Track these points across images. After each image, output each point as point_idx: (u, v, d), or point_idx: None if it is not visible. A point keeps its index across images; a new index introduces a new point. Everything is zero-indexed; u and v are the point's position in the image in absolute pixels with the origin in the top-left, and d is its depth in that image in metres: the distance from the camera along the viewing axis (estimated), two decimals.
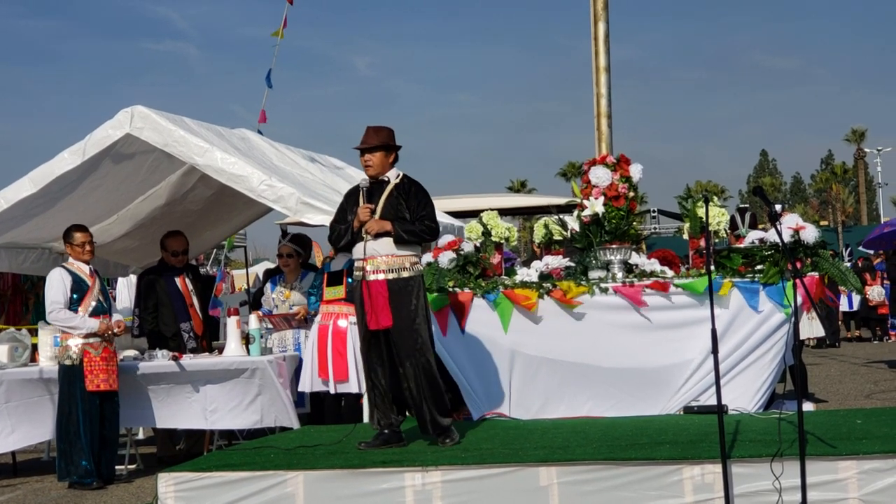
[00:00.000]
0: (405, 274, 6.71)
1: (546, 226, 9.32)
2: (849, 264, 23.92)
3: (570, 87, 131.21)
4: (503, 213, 10.07)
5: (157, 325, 9.33)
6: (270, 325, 9.10)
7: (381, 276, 6.67)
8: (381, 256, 6.68)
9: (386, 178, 6.82)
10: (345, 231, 6.80)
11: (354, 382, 8.30)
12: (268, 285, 9.42)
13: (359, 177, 10.50)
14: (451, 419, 6.87)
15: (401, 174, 6.87)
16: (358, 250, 6.74)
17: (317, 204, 8.18)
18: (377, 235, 6.66)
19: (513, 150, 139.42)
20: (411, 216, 6.71)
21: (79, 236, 8.32)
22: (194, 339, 9.35)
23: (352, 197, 6.93)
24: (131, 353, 8.90)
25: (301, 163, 9.86)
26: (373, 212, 6.69)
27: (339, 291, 8.50)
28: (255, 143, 9.58)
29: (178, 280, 9.41)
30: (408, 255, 6.74)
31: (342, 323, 8.43)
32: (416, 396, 6.73)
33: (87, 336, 8.11)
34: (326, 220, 7.96)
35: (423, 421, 6.80)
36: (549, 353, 8.14)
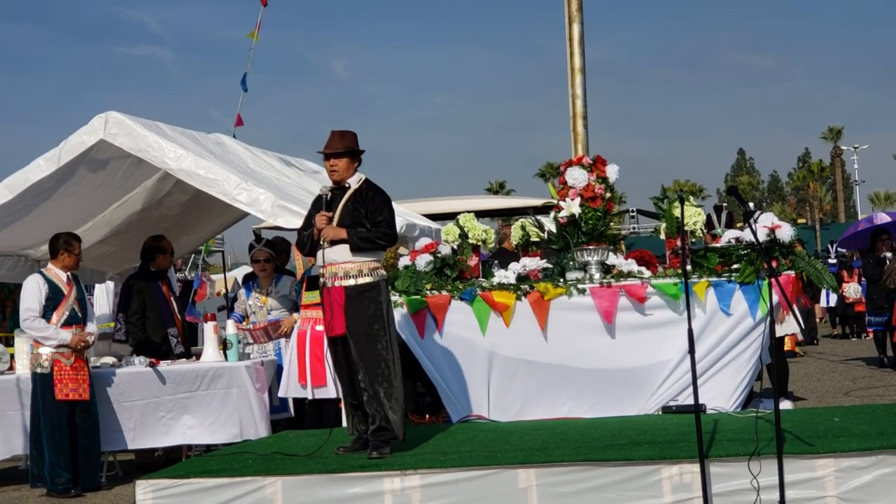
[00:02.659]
0: (363, 280, 6.63)
1: (523, 227, 9.33)
2: (835, 261, 24.05)
3: (547, 88, 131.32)
4: (481, 214, 10.06)
5: (145, 331, 9.26)
6: (250, 340, 9.07)
7: (338, 283, 6.64)
8: (338, 264, 6.65)
9: (347, 185, 6.77)
10: (307, 238, 6.80)
11: (332, 387, 8.28)
12: (242, 291, 9.41)
13: None
14: (395, 434, 6.58)
15: (363, 178, 6.82)
16: (319, 258, 6.72)
17: (293, 207, 8.16)
18: (333, 242, 6.64)
19: (491, 151, 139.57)
20: (369, 222, 6.66)
21: (77, 245, 8.29)
22: (180, 343, 9.33)
23: (317, 204, 6.90)
24: (108, 360, 8.84)
25: (277, 166, 9.84)
26: (330, 219, 6.65)
27: (317, 296, 8.47)
28: (230, 147, 9.56)
29: (161, 285, 9.38)
30: (366, 260, 6.67)
31: (320, 328, 8.39)
32: (369, 403, 6.60)
33: (58, 346, 8.07)
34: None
35: (368, 429, 6.63)
36: (528, 354, 8.15)
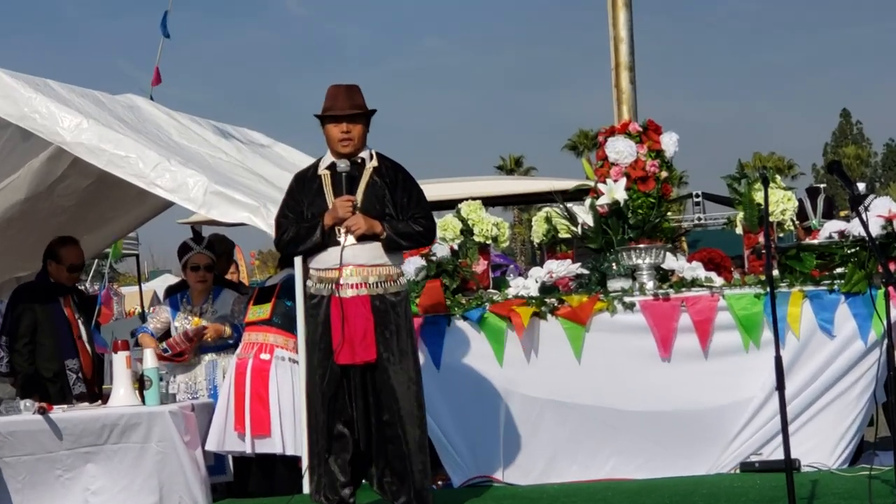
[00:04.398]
0: (393, 289, 6.84)
1: (549, 219, 9.33)
2: None
3: (579, 28, 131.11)
4: (490, 202, 10.06)
5: (33, 363, 9.23)
6: (171, 363, 9.06)
7: (363, 292, 6.78)
8: (366, 266, 6.80)
9: (360, 159, 6.92)
10: (309, 231, 6.84)
11: (278, 439, 8.26)
12: (166, 308, 9.40)
13: (291, 157, 10.59)
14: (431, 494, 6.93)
15: (373, 152, 6.99)
16: (327, 257, 6.83)
17: (233, 195, 8.14)
18: (361, 238, 6.76)
19: (503, 115, 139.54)
20: (398, 212, 6.83)
21: None
22: (83, 381, 9.30)
23: (309, 184, 7.00)
24: None
25: (211, 139, 9.81)
26: (355, 206, 6.78)
27: (264, 311, 8.50)
28: (147, 113, 9.53)
29: (63, 303, 9.36)
30: (395, 264, 6.91)
31: (265, 357, 8.45)
32: (405, 453, 6.75)
33: None
34: (248, 216, 7.94)
35: (407, 488, 6.78)
36: (556, 392, 8.23)
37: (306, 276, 7.19)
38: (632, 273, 8.32)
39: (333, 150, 6.95)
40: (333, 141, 6.92)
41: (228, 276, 10.82)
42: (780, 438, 6.10)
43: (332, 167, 6.93)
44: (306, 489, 7.49)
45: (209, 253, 9.28)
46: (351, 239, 6.76)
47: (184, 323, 9.14)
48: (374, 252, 6.80)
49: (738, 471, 7.96)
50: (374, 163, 6.93)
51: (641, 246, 8.34)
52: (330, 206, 6.82)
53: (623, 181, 8.53)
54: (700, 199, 28.90)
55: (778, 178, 8.79)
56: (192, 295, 9.27)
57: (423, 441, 6.82)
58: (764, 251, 7.74)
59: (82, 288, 17.60)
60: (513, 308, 8.17)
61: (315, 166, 7.09)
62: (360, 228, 6.73)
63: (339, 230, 6.77)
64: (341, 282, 6.77)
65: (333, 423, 6.85)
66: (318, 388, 6.89)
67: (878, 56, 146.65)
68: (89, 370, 9.40)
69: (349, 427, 6.85)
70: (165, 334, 9.25)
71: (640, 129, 8.66)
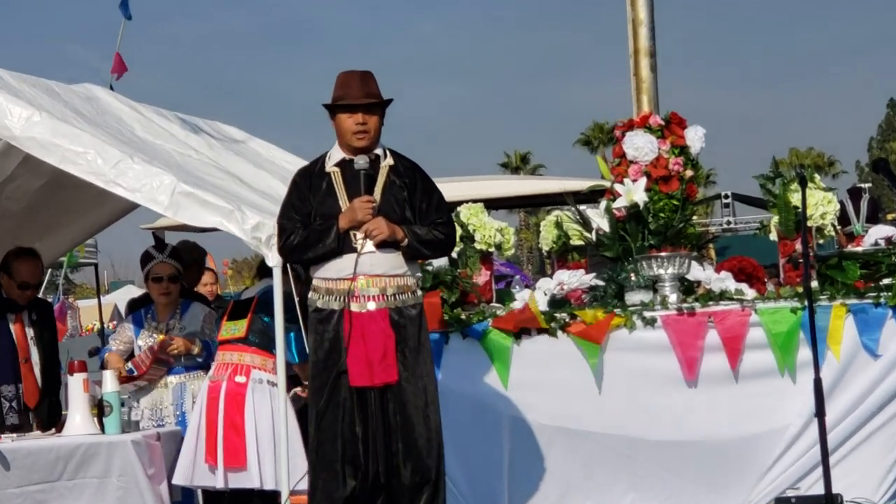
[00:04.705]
0: (411, 301, 6.93)
1: (559, 224, 9.34)
2: None
3: (593, 8, 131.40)
4: (494, 204, 10.06)
5: None
6: (134, 387, 9.06)
7: (381, 305, 6.84)
8: (385, 276, 6.87)
9: (374, 156, 6.97)
10: (321, 235, 6.86)
11: (255, 471, 8.22)
12: (128, 325, 9.39)
13: (269, 153, 10.58)
14: None
15: (387, 149, 7.06)
16: (340, 266, 6.87)
17: (204, 196, 8.10)
18: (382, 245, 6.81)
19: (507, 106, 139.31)
20: (416, 217, 6.91)
21: None
22: (17, 410, 9.25)
23: (317, 182, 7.02)
24: None
25: (179, 134, 9.78)
26: (376, 208, 6.83)
27: (239, 328, 8.49)
28: (106, 104, 9.51)
29: (12, 322, 9.32)
30: (413, 274, 7.02)
31: (240, 379, 8.45)
32: (420, 483, 6.85)
33: None
34: (220, 220, 7.93)
35: None
36: (568, 419, 8.26)
37: (301, 286, 7.21)
38: (653, 285, 8.33)
39: (346, 145, 6.97)
40: (346, 133, 6.94)
41: (207, 289, 10.83)
42: (819, 471, 6.11)
43: (342, 163, 6.96)
44: None
45: (174, 262, 9.24)
46: (369, 245, 6.80)
47: (148, 342, 9.11)
48: (393, 261, 6.86)
49: None
50: (390, 160, 6.99)
51: (663, 254, 8.36)
52: (343, 206, 6.85)
53: (643, 181, 8.59)
54: (730, 200, 28.86)
55: (817, 177, 8.79)
56: (156, 310, 9.25)
57: (440, 470, 6.92)
58: (801, 260, 7.72)
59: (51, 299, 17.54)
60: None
61: (320, 162, 7.10)
62: (383, 233, 6.75)
63: (354, 235, 6.81)
64: (356, 293, 6.81)
65: (340, 457, 6.87)
66: (323, 415, 6.90)
67: None
68: (33, 398, 9.33)
69: (354, 463, 6.86)
70: (131, 356, 9.24)
71: (662, 123, 8.68)
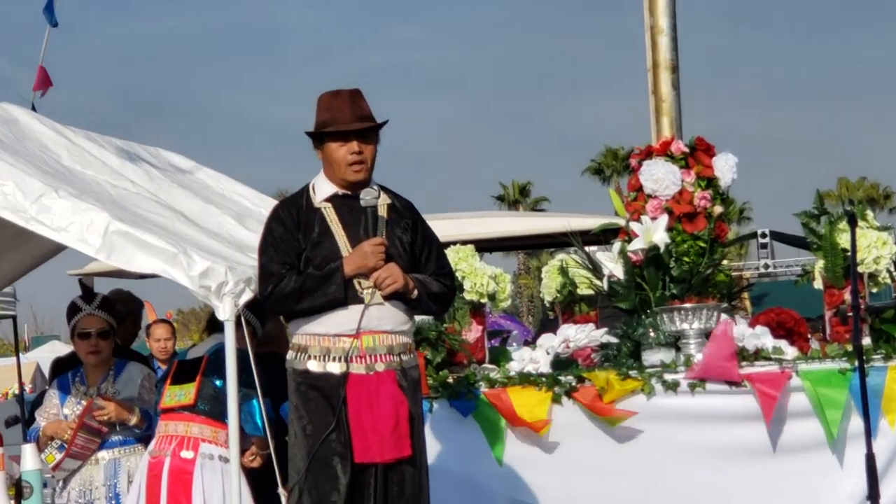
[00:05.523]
0: (412, 363, 7.00)
1: (564, 270, 9.29)
2: None
3: (605, 14, 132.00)
4: (487, 246, 10.02)
5: None
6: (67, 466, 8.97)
7: (391, 366, 6.86)
8: (388, 333, 6.88)
9: (373, 191, 6.96)
10: (320, 283, 6.82)
11: None
12: (54, 391, 9.29)
13: (219, 186, 10.51)
14: None
15: (376, 184, 7.08)
16: (341, 318, 6.85)
17: (142, 236, 8.03)
18: (390, 296, 6.83)
19: (503, 127, 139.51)
20: (416, 265, 6.96)
21: None
22: None
23: (307, 219, 6.99)
24: None
25: (113, 162, 9.76)
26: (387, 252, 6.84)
27: (186, 394, 8.41)
28: (27, 128, 9.49)
29: None
30: (412, 332, 7.14)
31: (187, 455, 8.34)
32: None
33: None
34: (161, 265, 7.83)
35: None
36: (575, 501, 8.31)
37: (257, 343, 7.12)
38: (675, 342, 8.36)
39: (337, 178, 6.96)
40: (339, 165, 6.92)
41: (160, 345, 10.82)
42: None
43: (334, 199, 6.94)
44: None
45: (104, 315, 9.19)
46: (377, 297, 6.79)
47: (75, 410, 9.04)
48: (400, 316, 6.89)
49: None
50: (386, 197, 7.02)
51: (688, 305, 8.36)
52: (343, 249, 6.84)
53: (663, 219, 8.54)
54: (767, 240, 28.92)
55: (869, 213, 8.80)
56: (86, 372, 9.18)
57: None
58: (851, 313, 7.67)
59: None
60: (526, 397, 8.10)
61: (304, 196, 7.06)
62: (397, 283, 6.76)
63: (359, 283, 6.78)
64: (362, 353, 6.81)
65: None
66: (314, 500, 6.86)
67: None
68: None
69: None
70: None
71: (686, 150, 8.69)
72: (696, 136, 8.79)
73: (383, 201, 6.96)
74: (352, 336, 6.77)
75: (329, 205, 6.94)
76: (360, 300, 6.76)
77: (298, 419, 6.89)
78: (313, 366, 6.86)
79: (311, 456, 6.83)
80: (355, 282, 6.76)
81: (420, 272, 6.91)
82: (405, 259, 6.86)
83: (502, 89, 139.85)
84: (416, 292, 6.82)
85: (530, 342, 9.21)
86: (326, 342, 6.84)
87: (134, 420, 8.85)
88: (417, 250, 6.96)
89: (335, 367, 6.80)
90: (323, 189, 6.96)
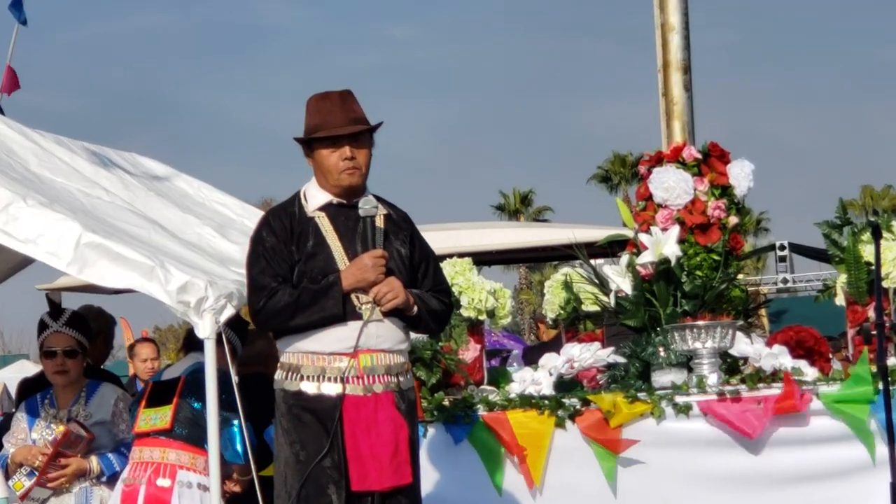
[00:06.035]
0: (409, 384, 7.06)
1: (569, 285, 9.34)
2: None
3: (611, 11, 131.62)
4: (486, 259, 10.07)
5: None
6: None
7: (390, 388, 6.90)
8: (386, 352, 6.94)
9: (373, 200, 6.99)
10: (316, 297, 6.84)
11: None
12: (22, 414, 9.32)
13: (199, 195, 10.56)
14: None
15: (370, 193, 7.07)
16: (337, 336, 6.89)
17: (116, 248, 8.05)
18: (390, 313, 6.88)
19: (503, 132, 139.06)
20: (414, 280, 6.99)
21: None
22: None
23: (300, 228, 7.01)
24: None
25: (85, 169, 9.77)
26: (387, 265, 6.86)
27: (162, 417, 8.44)
28: None
29: None
30: (407, 351, 7.14)
31: (163, 483, 8.36)
32: None
33: None
34: (137, 279, 7.88)
35: None
36: None
37: (263, 364, 7.16)
38: (687, 362, 8.39)
39: (330, 185, 7.00)
40: (331, 171, 6.96)
41: (147, 365, 10.86)
42: None
43: (327, 207, 6.98)
44: None
45: (72, 332, 9.16)
46: (377, 313, 6.82)
47: (45, 434, 9.06)
48: (398, 334, 6.95)
49: None
50: (382, 208, 7.05)
51: (700, 323, 8.37)
52: (339, 261, 6.88)
53: (675, 230, 8.56)
54: (786, 253, 28.94)
55: (895, 224, 8.79)
56: (55, 393, 9.19)
57: None
58: (875, 331, 7.72)
59: None
60: (527, 422, 8.15)
61: (296, 204, 7.09)
62: (399, 298, 6.81)
63: (357, 298, 6.82)
64: (360, 373, 6.85)
65: None
66: None
67: None
68: None
69: None
70: None
71: (699, 156, 8.70)
72: (710, 141, 8.82)
73: (379, 211, 7.00)
74: (349, 355, 6.79)
75: (323, 214, 6.98)
76: (358, 316, 6.80)
77: (290, 444, 6.91)
78: (307, 387, 6.90)
79: (304, 483, 6.80)
80: (353, 297, 6.79)
81: (416, 288, 6.94)
82: (405, 273, 6.90)
83: (502, 91, 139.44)
84: (416, 309, 6.85)
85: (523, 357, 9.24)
86: (321, 361, 6.87)
87: (96, 469, 8.86)
88: (416, 264, 7.01)
89: (331, 389, 6.82)
90: (315, 197, 7.00)
